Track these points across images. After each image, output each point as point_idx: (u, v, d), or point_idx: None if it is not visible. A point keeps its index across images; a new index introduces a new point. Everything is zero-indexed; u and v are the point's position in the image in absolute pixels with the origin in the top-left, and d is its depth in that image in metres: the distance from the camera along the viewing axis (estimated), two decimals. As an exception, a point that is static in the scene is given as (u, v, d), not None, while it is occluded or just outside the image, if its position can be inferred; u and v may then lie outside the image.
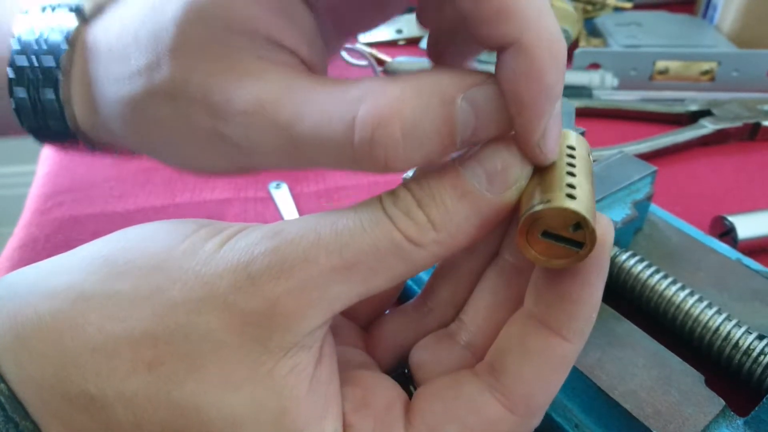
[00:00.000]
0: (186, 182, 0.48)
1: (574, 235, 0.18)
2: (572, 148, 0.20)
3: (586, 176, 0.20)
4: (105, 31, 0.26)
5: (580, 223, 0.18)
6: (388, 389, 0.21)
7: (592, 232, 0.18)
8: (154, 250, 0.19)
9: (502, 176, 0.19)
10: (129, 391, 0.17)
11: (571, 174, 0.19)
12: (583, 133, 0.38)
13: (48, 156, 0.52)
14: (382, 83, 0.18)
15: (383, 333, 0.25)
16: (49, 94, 0.27)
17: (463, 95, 0.18)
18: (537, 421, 0.21)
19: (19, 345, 0.18)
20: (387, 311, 0.27)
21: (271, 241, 0.18)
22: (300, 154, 0.20)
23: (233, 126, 0.21)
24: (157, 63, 0.22)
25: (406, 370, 0.24)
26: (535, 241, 0.18)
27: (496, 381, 0.20)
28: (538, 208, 0.18)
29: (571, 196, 0.18)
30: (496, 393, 0.20)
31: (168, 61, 0.22)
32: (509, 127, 0.19)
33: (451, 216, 0.18)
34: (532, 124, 0.18)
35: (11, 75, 0.28)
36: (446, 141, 0.18)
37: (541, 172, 0.20)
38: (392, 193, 0.19)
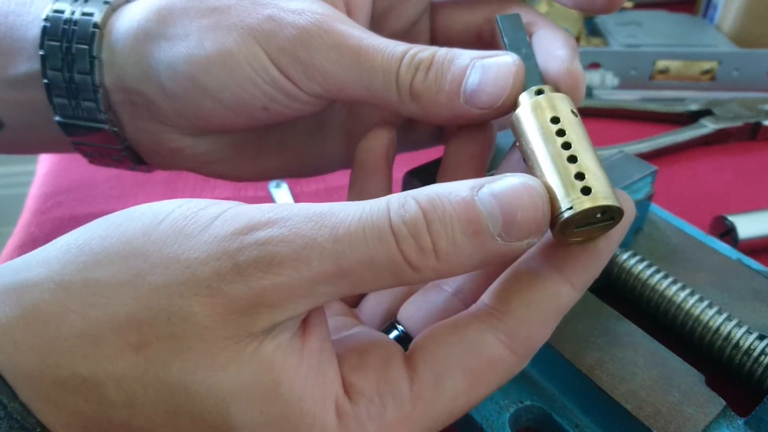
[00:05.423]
0: (186, 182, 0.48)
1: (602, 218, 0.19)
2: (556, 120, 0.21)
3: (585, 147, 0.20)
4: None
5: (605, 210, 0.19)
6: (383, 344, 0.21)
7: (619, 210, 0.19)
8: (131, 234, 0.18)
9: (519, 228, 0.18)
10: (118, 371, 0.18)
11: (573, 159, 0.19)
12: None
13: (48, 156, 0.52)
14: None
15: (371, 303, 0.26)
16: (82, 51, 0.27)
17: None
18: (527, 362, 0.21)
19: (3, 337, 0.18)
20: None
21: (262, 233, 0.18)
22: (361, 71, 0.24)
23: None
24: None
25: (398, 325, 0.24)
26: (571, 233, 0.20)
27: (499, 322, 0.20)
28: (565, 216, 0.19)
29: (586, 190, 0.19)
30: (500, 334, 0.20)
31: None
32: None
33: (456, 250, 0.18)
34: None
35: (42, 35, 0.28)
36: None
37: (539, 166, 0.20)
38: (402, 204, 0.18)
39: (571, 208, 0.18)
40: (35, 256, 0.19)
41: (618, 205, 0.19)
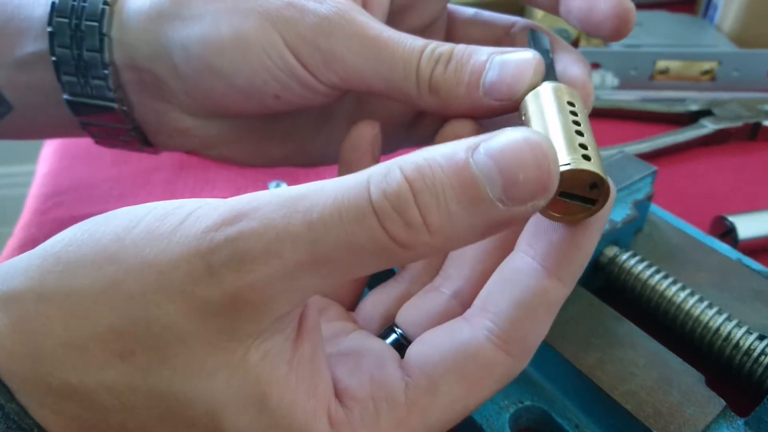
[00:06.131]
0: (186, 182, 0.48)
1: (589, 194, 0.19)
2: (572, 104, 0.21)
3: (591, 133, 0.20)
4: None
5: (597, 183, 0.19)
6: (379, 349, 0.21)
7: (607, 191, 0.19)
8: (105, 241, 0.18)
9: (522, 190, 0.16)
10: (108, 380, 0.17)
11: (580, 133, 0.20)
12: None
13: (48, 156, 0.52)
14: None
15: (369, 306, 0.26)
16: (91, 27, 0.27)
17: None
18: (527, 362, 0.21)
19: None
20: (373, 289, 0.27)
21: (232, 228, 0.16)
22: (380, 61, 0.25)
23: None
24: None
25: (396, 329, 0.24)
26: (552, 200, 0.18)
27: (491, 324, 0.20)
28: (562, 169, 0.18)
29: (586, 157, 0.19)
30: (492, 336, 0.20)
31: None
32: None
33: (452, 222, 0.16)
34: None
35: (50, 12, 0.28)
36: None
37: (547, 128, 0.20)
38: (385, 175, 0.16)
39: (568, 164, 0.18)
40: (19, 263, 0.19)
41: (609, 185, 0.19)
